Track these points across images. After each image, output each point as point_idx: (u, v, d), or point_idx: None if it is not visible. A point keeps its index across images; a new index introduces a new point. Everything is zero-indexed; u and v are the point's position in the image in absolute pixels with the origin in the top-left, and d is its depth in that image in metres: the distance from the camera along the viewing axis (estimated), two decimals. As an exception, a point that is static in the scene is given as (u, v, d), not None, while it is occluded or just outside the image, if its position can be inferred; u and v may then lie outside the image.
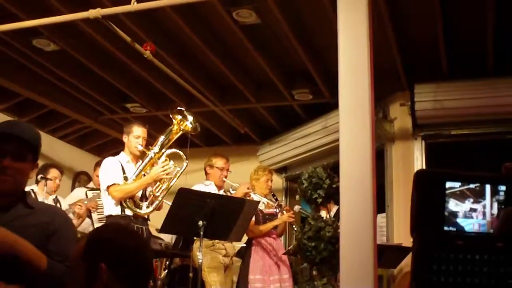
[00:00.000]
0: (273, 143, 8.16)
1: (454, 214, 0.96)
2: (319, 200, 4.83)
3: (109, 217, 4.77)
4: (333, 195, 4.89)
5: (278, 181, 8.05)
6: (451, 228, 0.96)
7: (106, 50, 6.04)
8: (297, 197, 5.40)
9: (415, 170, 6.62)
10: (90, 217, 6.55)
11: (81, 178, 8.61)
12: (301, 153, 7.65)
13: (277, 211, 5.75)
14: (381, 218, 6.41)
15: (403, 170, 6.53)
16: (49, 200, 5.94)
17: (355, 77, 3.68)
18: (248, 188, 5.43)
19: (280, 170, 8.33)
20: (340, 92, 3.72)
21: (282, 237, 6.63)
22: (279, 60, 6.37)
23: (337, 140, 3.72)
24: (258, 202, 5.28)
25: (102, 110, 7.70)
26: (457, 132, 6.48)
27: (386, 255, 5.30)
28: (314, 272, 4.83)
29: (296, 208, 5.87)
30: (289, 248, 5.67)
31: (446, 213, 0.96)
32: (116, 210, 4.72)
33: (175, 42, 6.01)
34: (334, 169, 4.65)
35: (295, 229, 5.39)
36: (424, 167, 6.49)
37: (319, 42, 5.88)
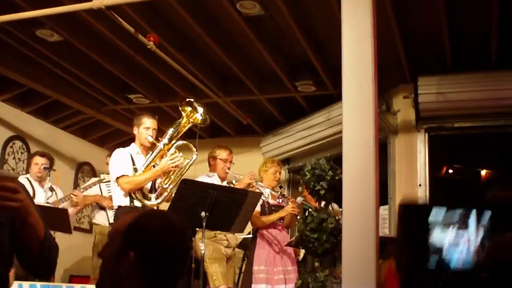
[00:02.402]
0: (276, 134, 8.15)
1: (440, 245, 0.95)
2: (322, 192, 4.84)
3: (118, 208, 4.80)
4: (335, 187, 4.90)
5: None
6: (437, 260, 0.95)
7: (109, 40, 6.03)
8: (300, 188, 5.40)
9: (418, 162, 6.63)
10: (103, 208, 6.62)
11: (84, 169, 8.63)
12: (304, 144, 7.63)
13: (280, 201, 5.76)
14: (383, 210, 6.41)
15: (406, 162, 6.53)
16: (44, 189, 6.01)
17: (359, 69, 3.69)
18: (251, 179, 5.44)
19: (283, 162, 8.30)
20: (343, 84, 3.72)
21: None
22: (283, 52, 6.36)
23: (340, 132, 3.73)
24: (261, 193, 5.28)
25: (105, 100, 7.69)
26: (460, 124, 6.48)
27: (388, 247, 5.31)
28: (316, 264, 4.84)
29: (299, 199, 5.87)
30: (292, 239, 5.69)
31: (431, 244, 0.95)
32: (125, 201, 4.76)
33: (179, 33, 6.00)
34: (337, 161, 4.65)
35: (298, 218, 5.40)
36: (427, 159, 6.50)
37: (323, 34, 5.87)
